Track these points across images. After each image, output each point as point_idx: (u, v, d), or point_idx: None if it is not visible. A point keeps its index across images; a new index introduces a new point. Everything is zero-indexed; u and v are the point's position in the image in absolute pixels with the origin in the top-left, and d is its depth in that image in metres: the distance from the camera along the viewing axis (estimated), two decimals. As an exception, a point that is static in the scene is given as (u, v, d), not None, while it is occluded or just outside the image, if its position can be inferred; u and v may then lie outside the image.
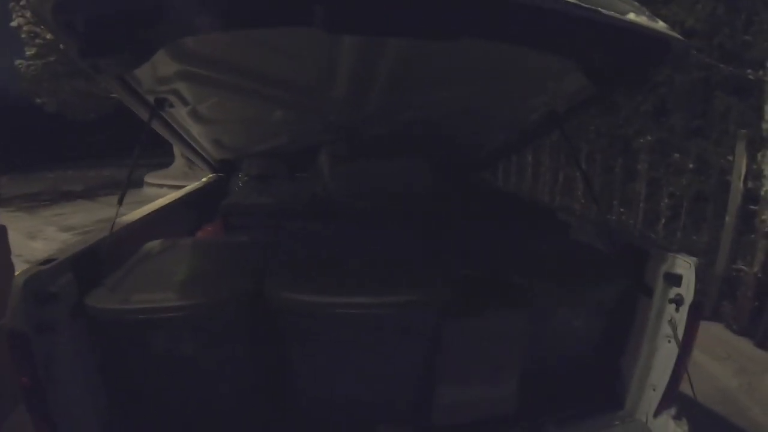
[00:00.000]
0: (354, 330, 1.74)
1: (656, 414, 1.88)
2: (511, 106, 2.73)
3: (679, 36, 1.60)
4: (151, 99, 2.29)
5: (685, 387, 1.87)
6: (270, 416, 1.89)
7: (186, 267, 1.90)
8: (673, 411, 1.86)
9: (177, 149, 10.12)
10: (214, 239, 2.57)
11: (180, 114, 2.58)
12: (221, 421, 1.82)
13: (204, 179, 3.44)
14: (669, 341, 1.83)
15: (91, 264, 1.76)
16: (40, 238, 7.40)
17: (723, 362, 3.62)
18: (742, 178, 3.98)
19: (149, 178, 11.22)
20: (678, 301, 1.79)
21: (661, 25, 1.57)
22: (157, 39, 1.67)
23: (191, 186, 3.20)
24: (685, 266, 1.79)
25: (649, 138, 4.92)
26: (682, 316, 1.79)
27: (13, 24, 9.76)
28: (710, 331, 3.93)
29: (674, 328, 1.80)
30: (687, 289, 1.77)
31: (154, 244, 2.11)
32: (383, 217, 2.49)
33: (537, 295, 1.88)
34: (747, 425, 2.92)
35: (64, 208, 9.65)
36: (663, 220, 4.84)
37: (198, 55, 2.07)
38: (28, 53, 9.90)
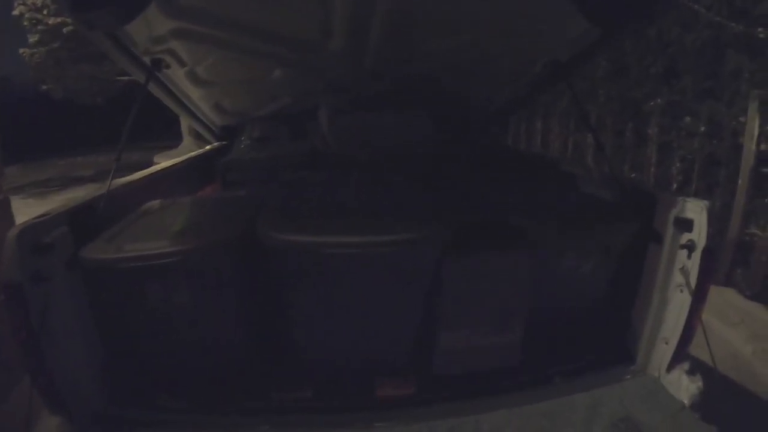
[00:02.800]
0: (350, 272, 1.70)
1: (669, 369, 1.80)
2: (513, 56, 2.63)
3: None
4: (147, 60, 2.26)
5: (695, 350, 1.81)
6: (266, 364, 1.87)
7: (182, 220, 1.88)
8: (686, 366, 1.77)
9: (185, 128, 10.15)
10: (212, 195, 2.56)
11: (178, 77, 2.54)
12: (216, 368, 1.81)
13: (208, 147, 3.44)
14: (681, 291, 1.75)
15: (87, 218, 1.75)
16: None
17: (736, 328, 3.54)
18: (755, 139, 3.84)
19: (159, 159, 11.27)
20: (690, 247, 1.70)
21: None
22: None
23: (194, 152, 3.20)
24: (696, 210, 1.70)
25: (660, 101, 4.80)
26: (694, 264, 1.70)
27: (15, 13, 9.74)
28: (723, 296, 3.86)
29: (686, 276, 1.71)
30: (699, 235, 1.68)
31: (152, 203, 2.11)
32: (383, 168, 2.46)
33: (541, 237, 1.82)
34: (761, 391, 2.87)
35: (74, 192, 9.70)
36: (675, 185, 4.73)
37: (191, 11, 2.03)
38: (31, 40, 9.89)
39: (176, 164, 2.75)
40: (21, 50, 10.05)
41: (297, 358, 1.89)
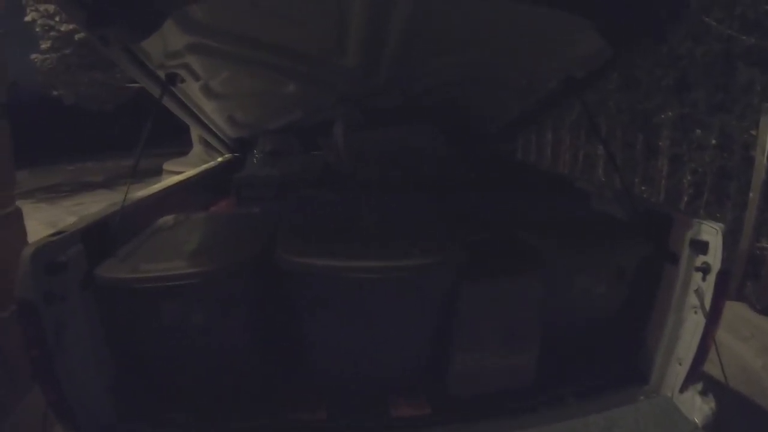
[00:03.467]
0: (367, 294, 1.70)
1: (682, 389, 1.80)
2: (526, 72, 2.65)
3: None
4: (162, 74, 2.27)
5: (707, 365, 1.80)
6: (280, 384, 1.87)
7: (196, 238, 1.89)
8: (699, 386, 1.77)
9: (195, 136, 10.19)
10: (226, 212, 2.56)
11: (192, 90, 2.56)
12: (230, 388, 1.81)
13: (220, 159, 3.44)
14: (695, 312, 1.75)
15: (101, 236, 1.75)
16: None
17: (747, 342, 3.51)
18: (767, 153, 3.84)
19: (168, 166, 11.29)
20: (705, 270, 1.70)
21: None
22: (165, 6, 1.65)
23: (207, 165, 3.21)
24: (711, 233, 1.70)
25: (671, 113, 4.78)
26: (709, 286, 1.70)
27: (28, 19, 9.83)
28: (734, 310, 3.83)
29: (701, 297, 1.71)
30: (714, 257, 1.69)
31: (166, 219, 2.11)
32: (397, 185, 2.46)
33: (555, 258, 1.82)
34: (772, 405, 2.85)
35: (84, 198, 9.75)
36: (686, 198, 4.72)
37: (207, 26, 2.05)
38: (42, 46, 9.96)
39: (189, 177, 2.75)
40: (33, 56, 10.13)
41: (311, 379, 1.89)
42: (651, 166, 5.13)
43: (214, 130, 3.22)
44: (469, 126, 3.40)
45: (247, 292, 1.72)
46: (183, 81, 2.37)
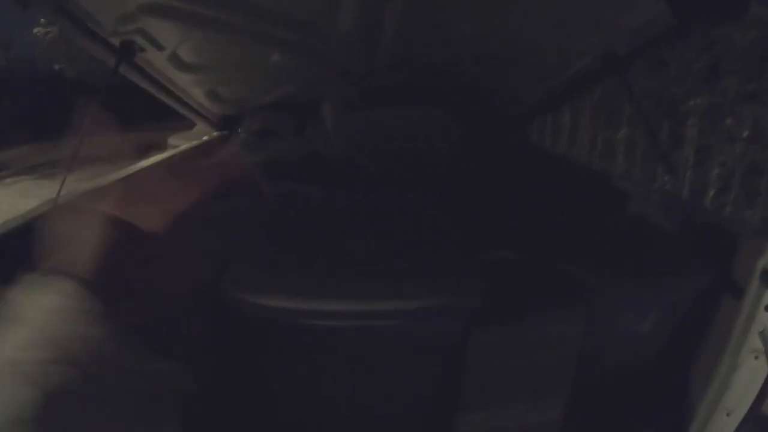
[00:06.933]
0: (341, 344, 1.34)
1: None
2: (557, 45, 2.22)
3: None
4: (115, 42, 1.94)
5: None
6: None
7: None
8: None
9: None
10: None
11: (159, 61, 2.21)
12: None
13: (205, 137, 3.15)
14: (756, 358, 1.40)
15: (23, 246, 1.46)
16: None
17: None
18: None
19: (173, 140, 11.05)
20: None
21: None
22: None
23: (184, 146, 2.91)
24: None
25: (700, 100, 4.44)
26: None
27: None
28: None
29: (766, 342, 1.37)
30: None
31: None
32: (396, 180, 2.10)
33: (595, 292, 1.46)
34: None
35: (87, 173, 9.59)
36: (712, 192, 4.40)
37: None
38: (43, 20, 9.75)
39: (158, 162, 2.42)
40: (35, 29, 9.94)
41: None
42: (675, 156, 4.79)
43: (195, 107, 2.88)
44: (484, 109, 2.97)
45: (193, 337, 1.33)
46: (143, 50, 2.03)
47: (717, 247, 1.59)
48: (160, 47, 2.07)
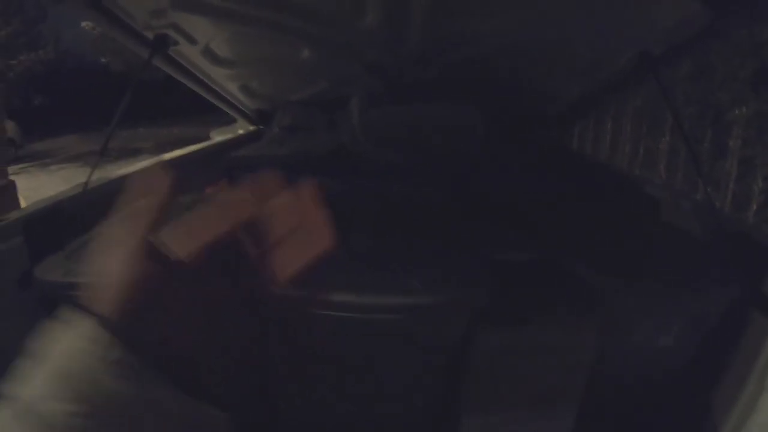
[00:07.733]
0: (347, 339, 1.33)
1: None
2: (590, 43, 2.14)
3: None
4: (149, 35, 1.97)
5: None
6: None
7: None
8: None
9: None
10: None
11: (193, 55, 2.25)
12: None
13: (240, 131, 3.19)
14: None
15: (50, 227, 1.50)
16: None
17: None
18: None
19: (214, 134, 11.30)
20: None
21: None
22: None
23: (219, 138, 2.95)
24: None
25: (745, 109, 4.26)
26: None
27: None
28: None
29: None
30: None
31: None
32: (421, 174, 2.06)
33: (613, 297, 1.38)
34: None
35: (129, 162, 9.93)
36: (755, 206, 4.22)
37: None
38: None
39: (190, 154, 2.45)
40: (83, 23, 10.28)
41: None
42: (718, 167, 4.61)
43: (231, 100, 2.92)
44: (514, 108, 2.87)
45: None
46: (176, 44, 2.06)
47: (749, 260, 1.48)
48: (193, 41, 2.11)
